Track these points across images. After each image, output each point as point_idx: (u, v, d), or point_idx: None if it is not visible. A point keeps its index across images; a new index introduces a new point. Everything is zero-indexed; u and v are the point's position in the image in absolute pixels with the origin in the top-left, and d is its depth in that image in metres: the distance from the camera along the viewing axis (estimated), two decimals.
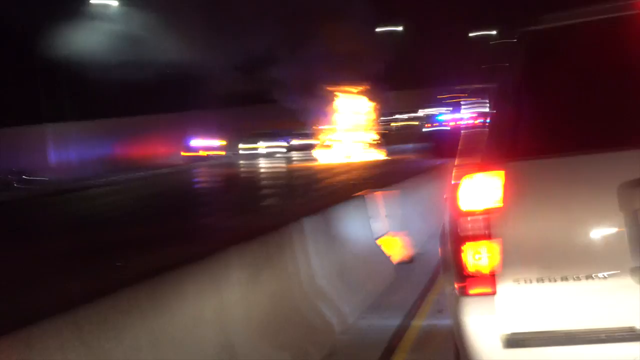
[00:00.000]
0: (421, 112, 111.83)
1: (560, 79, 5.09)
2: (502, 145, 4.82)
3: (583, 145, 4.74)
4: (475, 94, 63.30)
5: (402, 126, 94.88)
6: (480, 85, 58.24)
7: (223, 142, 68.26)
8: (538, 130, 4.93)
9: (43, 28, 53.54)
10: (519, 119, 4.95)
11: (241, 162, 60.23)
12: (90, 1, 57.46)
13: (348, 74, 53.18)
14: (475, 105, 61.48)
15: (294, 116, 58.66)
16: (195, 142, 67.36)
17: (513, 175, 4.75)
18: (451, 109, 70.25)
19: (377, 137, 59.56)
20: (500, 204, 4.70)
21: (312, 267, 8.91)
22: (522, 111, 4.98)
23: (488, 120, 5.19)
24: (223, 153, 67.60)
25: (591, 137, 4.80)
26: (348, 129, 53.57)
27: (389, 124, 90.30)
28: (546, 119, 4.98)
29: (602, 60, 5.06)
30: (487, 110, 60.16)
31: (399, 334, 8.79)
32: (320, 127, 54.15)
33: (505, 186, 4.71)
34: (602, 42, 5.08)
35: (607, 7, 5.09)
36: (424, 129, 61.69)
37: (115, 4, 56.83)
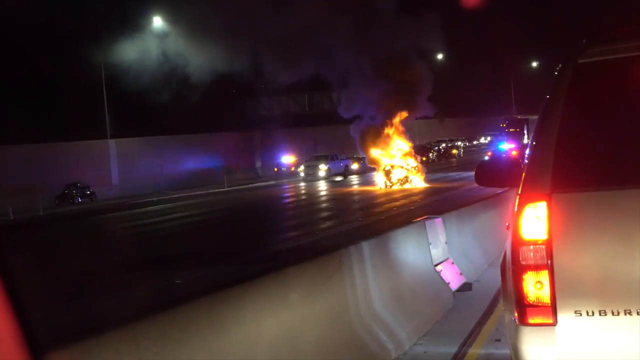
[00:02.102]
0: (483, 139, 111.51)
1: (602, 112, 5.03)
2: (562, 175, 4.75)
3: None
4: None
5: (462, 152, 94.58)
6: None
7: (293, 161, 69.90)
8: (593, 162, 4.86)
9: (105, 47, 54.74)
10: (580, 150, 4.89)
11: (302, 183, 60.38)
12: (154, 24, 58.45)
13: (408, 102, 53.15)
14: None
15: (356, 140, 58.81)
16: (285, 159, 69.19)
17: (574, 205, 4.70)
18: (510, 137, 69.66)
19: (436, 162, 59.01)
20: (562, 234, 4.64)
21: (369, 290, 8.87)
22: (583, 143, 4.92)
23: (528, 151, 5.14)
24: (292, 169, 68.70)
25: None
26: (407, 155, 53.36)
27: (450, 151, 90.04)
28: (606, 151, 4.91)
29: None
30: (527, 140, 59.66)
31: None
32: (379, 152, 54.03)
33: (567, 216, 4.65)
34: None
35: None
36: (485, 157, 61.23)
37: (174, 26, 57.79)
